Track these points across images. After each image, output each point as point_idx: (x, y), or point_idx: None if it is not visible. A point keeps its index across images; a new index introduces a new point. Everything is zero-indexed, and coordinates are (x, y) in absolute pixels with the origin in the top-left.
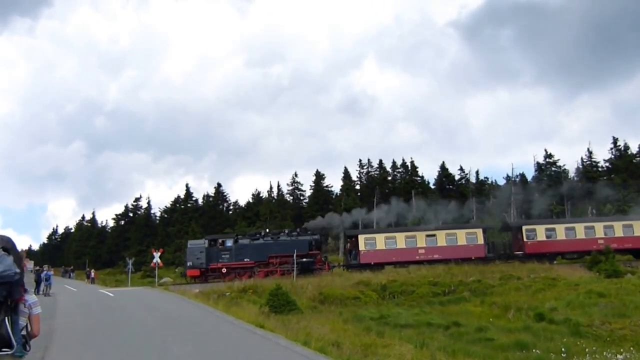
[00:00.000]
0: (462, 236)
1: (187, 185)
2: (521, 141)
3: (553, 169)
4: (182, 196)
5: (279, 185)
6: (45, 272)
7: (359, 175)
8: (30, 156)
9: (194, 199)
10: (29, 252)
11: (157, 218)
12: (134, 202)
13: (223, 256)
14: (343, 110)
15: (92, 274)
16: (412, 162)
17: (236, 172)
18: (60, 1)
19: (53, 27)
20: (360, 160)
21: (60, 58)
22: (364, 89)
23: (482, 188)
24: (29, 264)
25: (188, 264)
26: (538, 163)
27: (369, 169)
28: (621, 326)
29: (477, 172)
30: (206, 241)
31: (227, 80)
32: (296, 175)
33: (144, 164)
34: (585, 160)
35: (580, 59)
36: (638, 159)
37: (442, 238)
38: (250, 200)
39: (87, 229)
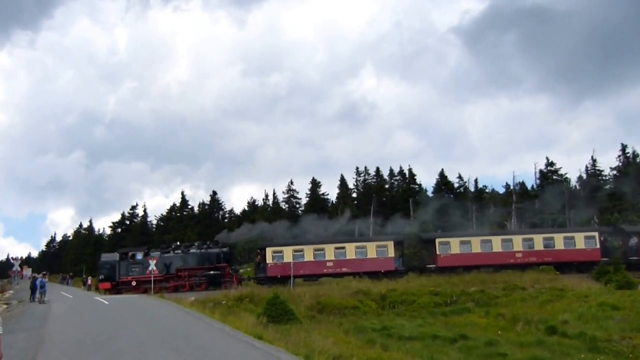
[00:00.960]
0: (372, 249)
1: (182, 193)
2: (521, 149)
3: (554, 177)
4: (178, 204)
5: (274, 193)
6: (40, 279)
7: (355, 183)
8: (30, 166)
9: (189, 207)
10: (28, 260)
11: (154, 226)
12: (130, 210)
13: (133, 269)
14: (341, 119)
15: (89, 281)
16: (409, 170)
17: (233, 181)
18: (60, 12)
19: (53, 39)
20: (357, 168)
21: (60, 69)
22: (362, 97)
23: (482, 197)
24: (27, 271)
25: (100, 276)
26: (541, 171)
27: (366, 177)
28: None
29: (475, 181)
30: (117, 255)
31: (224, 90)
32: (292, 183)
33: (142, 173)
34: (589, 168)
35: (583, 66)
36: None
37: (351, 251)
38: (246, 208)
39: (85, 237)
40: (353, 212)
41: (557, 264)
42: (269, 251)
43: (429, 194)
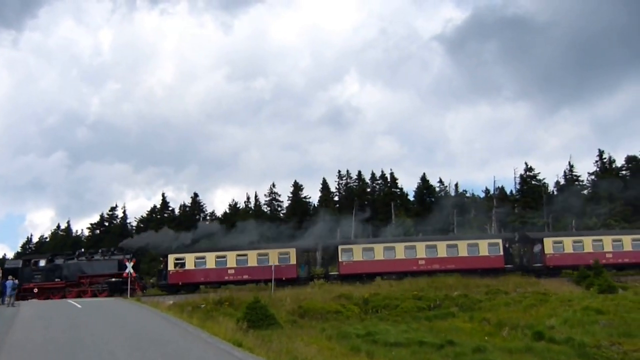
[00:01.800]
0: (274, 256)
1: (163, 195)
2: (501, 156)
3: (533, 182)
4: (159, 206)
5: (256, 196)
6: (10, 281)
7: (337, 187)
8: (10, 166)
9: (170, 208)
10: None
11: (134, 228)
12: (109, 211)
13: (36, 276)
14: (325, 124)
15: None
16: (391, 174)
17: (216, 184)
18: (45, 12)
19: (36, 39)
20: (339, 172)
21: (43, 70)
22: (347, 103)
23: (463, 201)
24: None
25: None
26: (522, 176)
27: (348, 180)
28: (634, 347)
29: (456, 185)
30: (20, 261)
31: (209, 94)
32: (274, 185)
33: (125, 174)
34: (566, 174)
35: (562, 75)
36: (624, 172)
37: (253, 258)
38: (227, 211)
39: (62, 238)
40: (335, 215)
41: (461, 271)
42: (171, 258)
43: (410, 198)
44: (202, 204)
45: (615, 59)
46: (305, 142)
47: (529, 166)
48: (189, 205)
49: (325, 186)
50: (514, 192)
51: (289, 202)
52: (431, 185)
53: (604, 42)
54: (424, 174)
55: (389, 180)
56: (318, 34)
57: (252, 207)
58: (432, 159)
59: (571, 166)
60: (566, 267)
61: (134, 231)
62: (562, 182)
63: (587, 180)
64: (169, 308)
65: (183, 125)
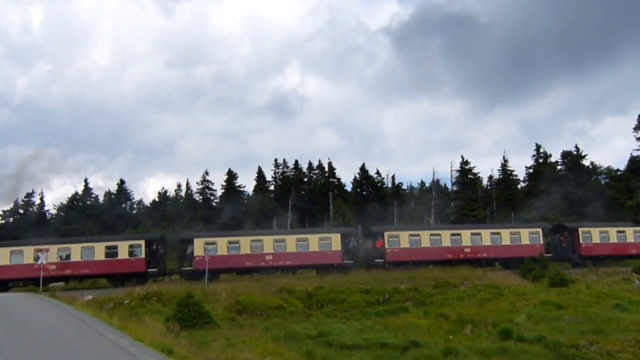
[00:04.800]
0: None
1: (85, 180)
2: (435, 151)
3: (469, 175)
4: (81, 193)
5: (188, 184)
6: None
7: (274, 176)
8: None
9: (93, 196)
10: None
11: (53, 216)
12: (25, 197)
13: None
14: (265, 114)
15: None
16: (329, 164)
17: (149, 173)
18: None
19: None
20: (275, 160)
21: None
22: (288, 94)
23: (400, 193)
24: None
25: None
26: (461, 168)
27: (284, 170)
28: (616, 347)
29: (392, 177)
30: None
31: (146, 79)
32: (207, 173)
33: (52, 160)
34: (504, 168)
35: (498, 74)
36: (560, 167)
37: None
38: (156, 199)
39: None
40: (272, 204)
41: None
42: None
43: (347, 189)
44: (128, 191)
45: (549, 62)
46: (244, 132)
47: (464, 159)
48: (115, 192)
49: (260, 175)
50: (449, 186)
51: (223, 190)
52: (370, 176)
53: (535, 48)
54: (363, 164)
55: (326, 170)
56: (261, 23)
57: (183, 195)
58: (370, 152)
59: (505, 161)
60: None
61: (52, 220)
62: (496, 177)
63: (525, 175)
64: (87, 305)
65: (117, 111)
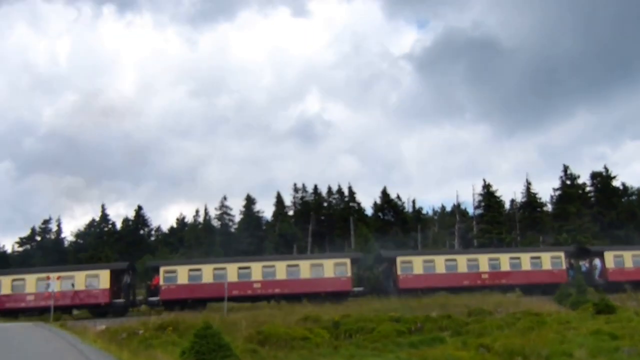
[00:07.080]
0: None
1: (103, 207)
2: (455, 177)
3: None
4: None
5: (206, 210)
6: None
7: (293, 201)
8: None
9: (111, 222)
10: None
11: (71, 243)
12: (42, 224)
13: None
14: (287, 141)
15: None
16: (349, 188)
17: (171, 200)
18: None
19: None
20: (294, 185)
21: None
22: (311, 122)
23: (420, 217)
24: None
25: None
26: (486, 191)
27: (304, 194)
28: None
29: (413, 202)
30: None
31: (170, 108)
32: (225, 199)
33: (76, 188)
34: (528, 190)
35: (520, 99)
36: (589, 188)
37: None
38: (174, 226)
39: None
40: (291, 229)
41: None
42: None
43: (367, 214)
44: (146, 217)
45: (570, 86)
46: (266, 160)
47: (487, 183)
48: (132, 219)
49: (279, 200)
50: (471, 210)
51: (242, 216)
52: (392, 200)
53: (558, 75)
54: (385, 187)
55: (346, 195)
56: (282, 53)
57: (201, 222)
58: (390, 178)
59: (529, 183)
60: (627, 282)
61: (71, 247)
62: (519, 200)
63: (553, 196)
64: (98, 336)
65: (142, 139)
